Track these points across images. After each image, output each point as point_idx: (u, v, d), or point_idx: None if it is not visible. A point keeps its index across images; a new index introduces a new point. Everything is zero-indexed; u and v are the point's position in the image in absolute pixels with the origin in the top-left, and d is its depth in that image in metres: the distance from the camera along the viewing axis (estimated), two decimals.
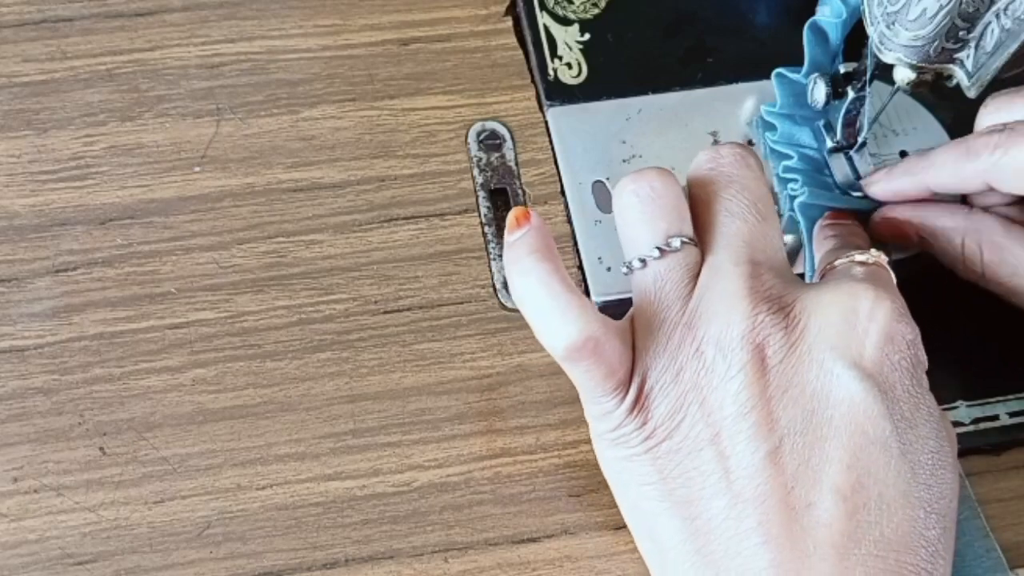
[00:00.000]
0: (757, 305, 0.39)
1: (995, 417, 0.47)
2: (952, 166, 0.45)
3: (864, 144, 0.49)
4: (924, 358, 0.40)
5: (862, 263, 0.42)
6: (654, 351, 0.40)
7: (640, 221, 0.41)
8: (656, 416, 0.39)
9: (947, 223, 0.46)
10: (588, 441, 0.45)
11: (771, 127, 0.50)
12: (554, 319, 0.39)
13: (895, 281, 0.42)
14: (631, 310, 0.41)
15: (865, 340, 0.39)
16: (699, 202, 0.42)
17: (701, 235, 0.41)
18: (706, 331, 0.39)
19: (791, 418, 0.38)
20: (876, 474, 0.37)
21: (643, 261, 0.41)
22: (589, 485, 0.45)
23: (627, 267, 0.41)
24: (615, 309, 0.43)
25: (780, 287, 0.40)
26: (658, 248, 0.40)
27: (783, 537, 0.37)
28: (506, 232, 0.40)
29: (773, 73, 0.49)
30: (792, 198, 0.48)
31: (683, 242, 0.41)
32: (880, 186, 0.47)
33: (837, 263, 0.42)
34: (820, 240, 0.46)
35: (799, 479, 0.37)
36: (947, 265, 0.46)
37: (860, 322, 0.39)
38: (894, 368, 0.39)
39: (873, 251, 0.42)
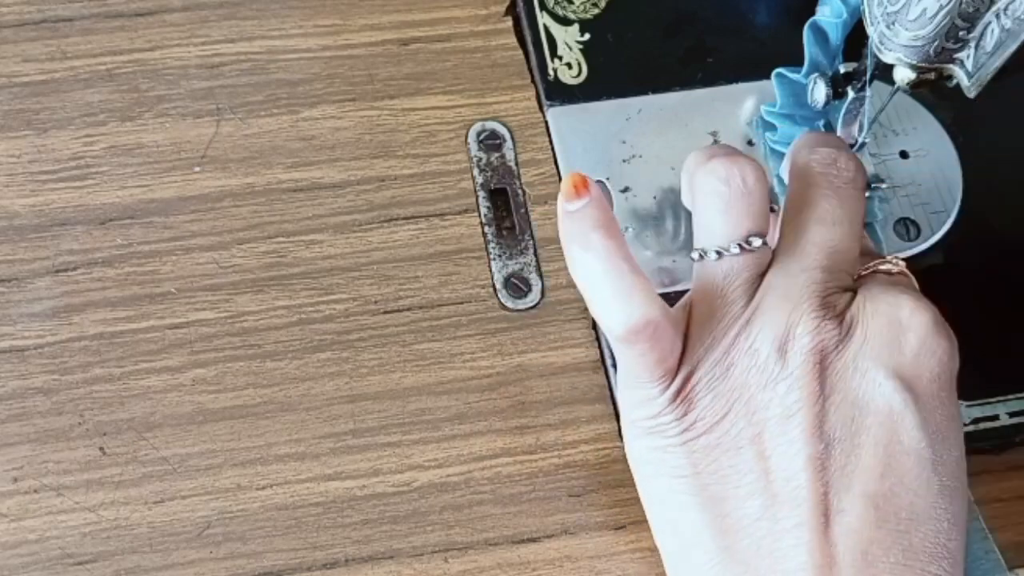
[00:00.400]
0: (817, 310, 0.39)
1: (995, 417, 0.47)
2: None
3: (864, 144, 0.49)
4: (957, 367, 0.40)
5: (887, 272, 0.42)
6: (709, 344, 0.40)
7: (725, 212, 0.41)
8: (699, 409, 0.39)
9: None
10: (588, 441, 0.45)
11: (771, 127, 0.50)
12: (617, 299, 0.39)
13: (918, 287, 0.42)
14: (687, 297, 0.41)
15: (905, 350, 0.39)
16: (796, 198, 0.41)
17: (785, 231, 0.41)
18: (763, 330, 0.39)
19: (834, 424, 0.38)
20: (909, 484, 0.37)
21: (719, 253, 0.40)
22: (589, 485, 0.45)
23: (700, 254, 0.41)
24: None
25: (839, 296, 0.40)
26: (739, 245, 0.40)
27: (815, 541, 0.37)
28: (562, 199, 0.40)
29: (773, 73, 0.49)
30: None
31: (763, 243, 0.40)
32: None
33: (863, 273, 0.42)
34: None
35: (834, 485, 0.37)
36: None
37: (901, 332, 0.39)
38: (932, 379, 0.39)
39: (893, 259, 0.42)
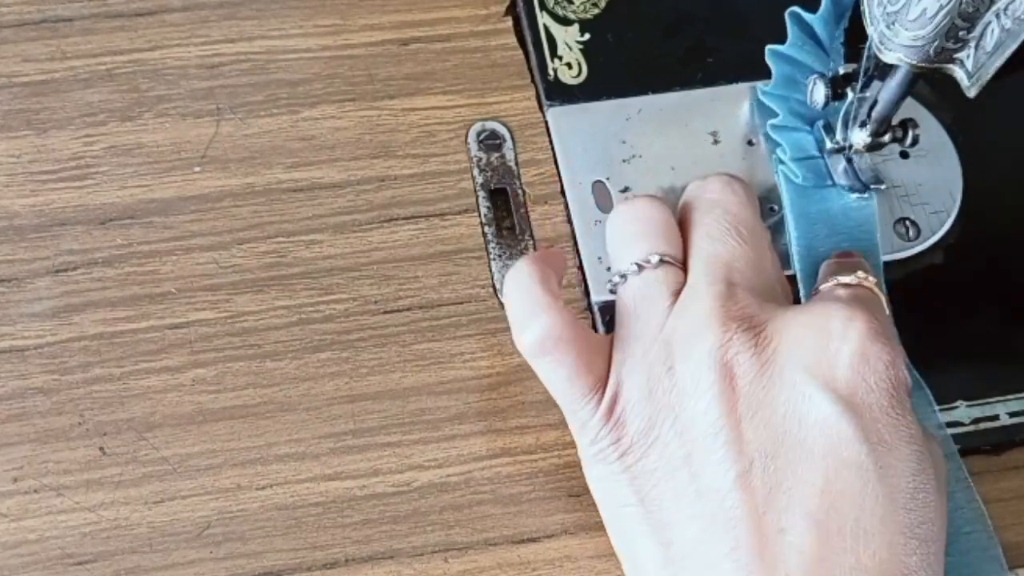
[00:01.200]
0: (727, 324, 0.39)
1: (995, 417, 0.47)
2: None
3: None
4: (906, 378, 0.39)
5: (846, 284, 0.42)
6: (630, 366, 0.40)
7: (623, 241, 0.43)
8: (631, 432, 0.39)
9: None
10: None
11: (771, 113, 0.50)
12: (523, 315, 0.40)
13: (884, 301, 0.42)
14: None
15: (837, 361, 0.38)
16: (684, 227, 0.43)
17: (686, 258, 0.42)
18: (678, 350, 0.39)
19: (762, 440, 0.37)
20: (852, 498, 0.36)
21: (623, 276, 0.42)
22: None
23: (611, 284, 0.43)
24: (615, 310, 0.43)
25: (755, 307, 0.40)
26: (637, 264, 0.42)
27: (755, 564, 0.36)
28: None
29: (767, 50, 0.49)
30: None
31: (661, 260, 0.41)
32: None
33: (822, 287, 0.42)
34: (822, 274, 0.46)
35: (771, 504, 0.36)
36: None
37: (832, 342, 0.38)
38: (870, 389, 0.38)
39: (860, 272, 0.42)
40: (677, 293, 0.41)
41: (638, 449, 0.39)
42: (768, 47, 0.49)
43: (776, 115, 0.49)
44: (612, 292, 0.43)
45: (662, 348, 0.40)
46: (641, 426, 0.39)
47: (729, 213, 0.42)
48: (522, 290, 0.41)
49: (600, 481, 0.41)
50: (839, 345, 0.38)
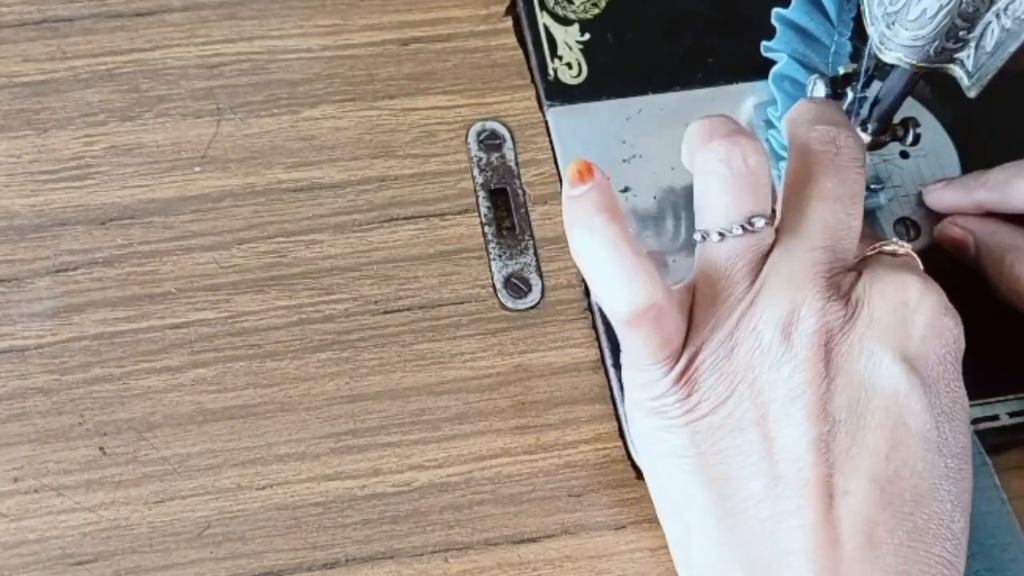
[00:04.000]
0: (822, 291, 0.39)
1: (995, 417, 0.47)
2: (1004, 186, 0.46)
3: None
4: (963, 350, 0.40)
5: (892, 253, 0.41)
6: (713, 326, 0.39)
7: (726, 193, 0.40)
8: (703, 390, 0.39)
9: (1000, 239, 0.47)
10: (588, 441, 0.45)
11: (773, 126, 0.50)
12: (620, 282, 0.39)
13: (923, 270, 0.42)
14: (690, 279, 0.41)
15: (912, 332, 0.39)
16: (797, 176, 0.41)
17: (786, 209, 0.41)
18: (767, 310, 0.39)
19: (839, 406, 0.38)
20: (913, 466, 0.37)
21: (722, 235, 0.40)
22: (589, 485, 0.45)
23: (702, 236, 0.40)
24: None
25: (844, 275, 0.40)
26: (741, 226, 0.40)
27: (819, 523, 0.37)
28: (566, 186, 0.40)
29: (771, 75, 0.49)
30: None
31: (766, 223, 0.40)
32: (935, 196, 0.49)
33: (868, 253, 0.42)
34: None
35: (839, 466, 0.37)
36: (991, 280, 0.47)
37: (908, 313, 0.39)
38: (939, 361, 0.39)
39: (898, 241, 0.42)
40: (768, 254, 0.40)
41: (705, 406, 0.39)
42: (775, 10, 0.49)
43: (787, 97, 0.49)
44: (698, 242, 0.41)
45: (748, 308, 0.39)
46: (715, 385, 0.39)
47: (850, 182, 0.41)
48: (609, 252, 0.39)
49: (653, 431, 0.41)
50: (914, 317, 0.39)
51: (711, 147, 0.40)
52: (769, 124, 0.50)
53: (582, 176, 0.39)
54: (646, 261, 0.39)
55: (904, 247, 0.42)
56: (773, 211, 0.41)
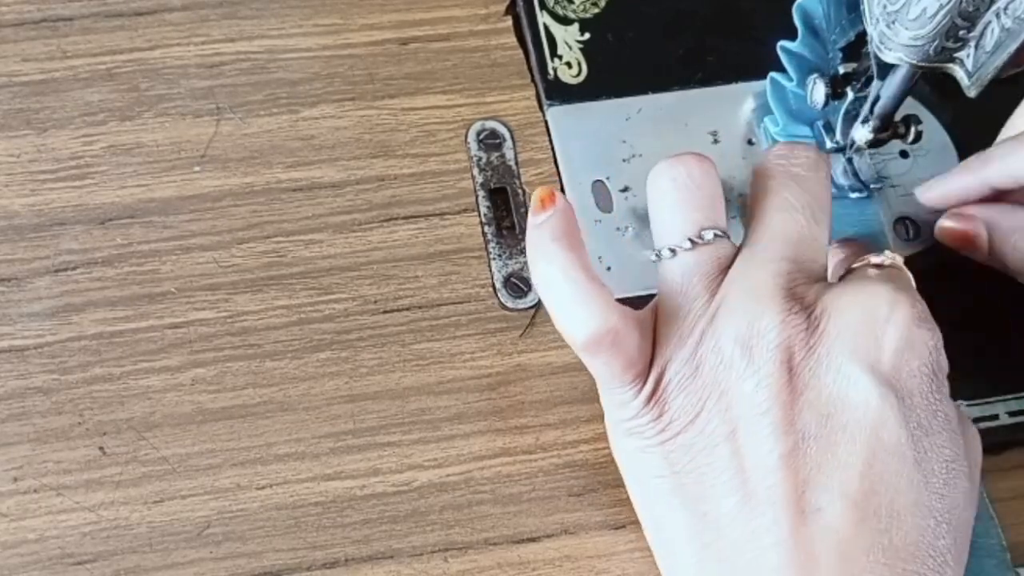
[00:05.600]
0: (783, 303, 0.38)
1: (995, 417, 0.47)
2: (1012, 156, 0.44)
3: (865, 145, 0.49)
4: (945, 363, 0.39)
5: (878, 265, 0.41)
6: (676, 344, 0.39)
7: (674, 210, 0.41)
8: (672, 409, 0.39)
9: (1012, 221, 0.45)
10: (588, 441, 0.45)
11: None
12: (575, 310, 0.39)
13: (913, 283, 0.41)
14: (654, 300, 0.41)
15: (883, 345, 0.38)
16: (757, 192, 0.41)
17: (749, 225, 0.41)
18: (727, 326, 0.39)
19: (807, 421, 0.37)
20: (888, 481, 0.37)
21: (673, 251, 0.40)
22: (589, 485, 0.45)
23: (656, 255, 0.41)
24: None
25: (807, 288, 0.39)
26: (690, 239, 0.40)
27: (792, 540, 0.37)
28: (530, 213, 0.40)
29: (768, 79, 0.49)
30: None
31: (716, 235, 0.40)
32: (937, 190, 0.47)
33: (854, 266, 0.42)
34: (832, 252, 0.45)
35: (811, 482, 0.37)
36: (1010, 266, 0.46)
37: (878, 326, 0.38)
38: (912, 374, 0.38)
39: (887, 252, 0.42)
40: (727, 268, 0.40)
41: (677, 425, 0.39)
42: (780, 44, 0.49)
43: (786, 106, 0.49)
44: (655, 262, 0.41)
45: (709, 324, 0.39)
46: (683, 404, 0.39)
47: (808, 191, 0.41)
48: (564, 280, 0.39)
49: (631, 453, 0.41)
50: (884, 328, 0.38)
51: (657, 168, 0.41)
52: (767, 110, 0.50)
53: (544, 204, 0.40)
54: (601, 288, 0.39)
55: (892, 258, 0.41)
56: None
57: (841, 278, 0.42)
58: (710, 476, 0.38)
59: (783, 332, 0.38)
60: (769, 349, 0.38)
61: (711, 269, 0.40)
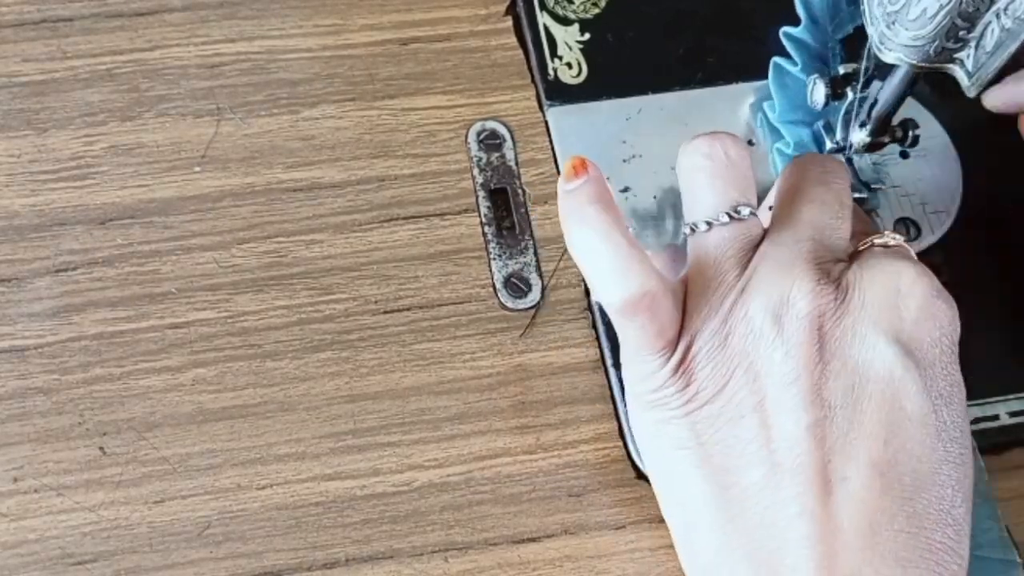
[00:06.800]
0: (813, 274, 0.39)
1: (995, 417, 0.47)
2: None
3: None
4: (959, 333, 0.40)
5: (883, 245, 0.42)
6: (706, 314, 0.40)
7: (711, 184, 0.41)
8: (700, 379, 0.39)
9: None
10: (588, 441, 0.45)
11: (777, 133, 0.50)
12: (614, 272, 0.39)
13: (916, 259, 0.42)
14: (685, 271, 0.41)
15: (905, 315, 0.39)
16: (788, 186, 0.42)
17: (776, 213, 0.42)
18: (758, 297, 0.39)
19: (834, 391, 0.38)
20: (912, 451, 0.37)
21: (708, 224, 0.41)
22: (589, 485, 0.45)
23: (691, 228, 0.41)
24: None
25: (831, 265, 0.40)
26: (727, 214, 0.41)
27: (818, 510, 0.37)
28: (561, 181, 0.41)
29: (771, 66, 0.49)
30: None
31: (751, 212, 0.41)
32: (996, 93, 0.48)
33: (861, 247, 0.42)
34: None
35: (837, 452, 0.37)
36: None
37: (900, 298, 0.39)
38: (934, 344, 0.39)
39: (888, 233, 0.42)
40: (757, 246, 0.41)
41: (704, 396, 0.39)
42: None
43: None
44: (688, 235, 0.41)
45: (739, 296, 0.39)
46: (711, 374, 0.39)
47: (839, 191, 0.42)
48: (602, 242, 0.39)
49: (653, 424, 0.41)
50: (907, 301, 0.39)
51: (692, 144, 0.42)
52: (774, 130, 0.50)
53: (576, 171, 0.40)
54: (640, 251, 0.39)
55: (896, 239, 0.42)
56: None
57: (851, 257, 0.42)
58: (737, 447, 0.38)
59: (813, 301, 0.38)
60: (799, 318, 0.38)
61: (745, 244, 0.40)
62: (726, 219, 0.40)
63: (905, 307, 0.39)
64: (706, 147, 0.41)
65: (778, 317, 0.39)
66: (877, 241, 0.42)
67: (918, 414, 0.38)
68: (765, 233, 0.41)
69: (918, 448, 0.37)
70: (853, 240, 0.43)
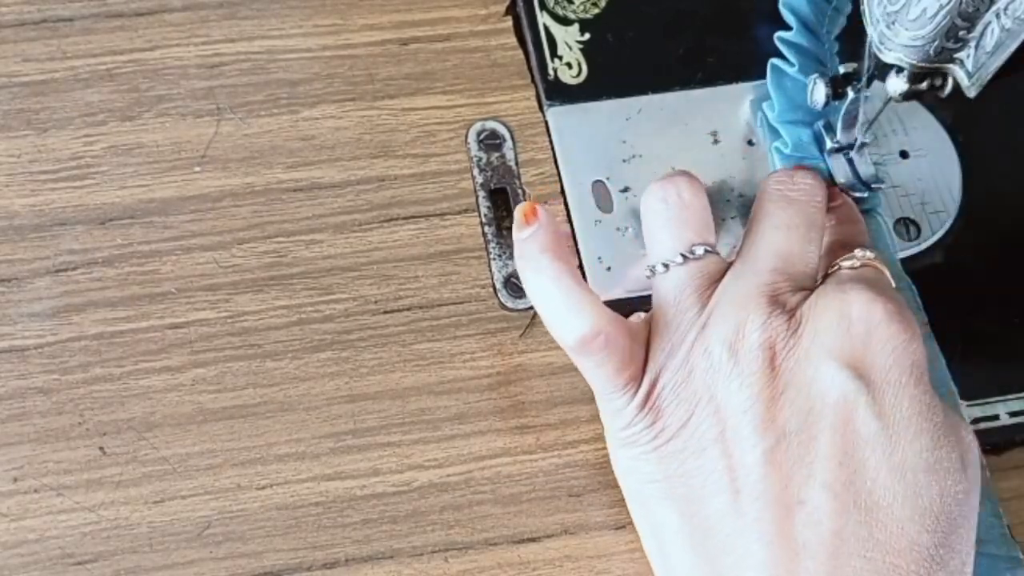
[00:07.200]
0: (765, 307, 0.40)
1: (995, 417, 0.47)
2: None
3: (864, 144, 0.49)
4: (922, 358, 0.40)
5: (850, 268, 0.42)
6: (669, 351, 0.41)
7: (666, 227, 0.43)
8: (666, 415, 0.40)
9: None
10: (588, 441, 0.45)
11: (776, 132, 0.50)
12: (566, 313, 0.41)
13: (889, 277, 0.42)
14: (650, 312, 0.43)
15: (857, 341, 0.39)
16: (755, 213, 0.44)
17: (742, 241, 0.43)
18: (716, 331, 0.40)
19: (788, 417, 0.39)
20: (866, 473, 0.38)
21: (666, 266, 0.42)
22: (589, 485, 0.45)
23: (650, 271, 0.43)
24: (615, 309, 0.43)
25: (789, 296, 0.41)
26: (682, 255, 0.42)
27: (776, 534, 0.37)
28: (515, 229, 0.43)
29: (768, 67, 0.49)
30: None
31: (706, 251, 0.42)
32: None
33: (830, 271, 0.43)
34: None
35: (794, 476, 0.38)
36: None
37: (853, 324, 0.39)
38: (888, 368, 0.39)
39: (858, 252, 0.42)
40: (717, 281, 0.42)
41: (670, 430, 0.40)
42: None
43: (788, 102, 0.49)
44: (649, 277, 0.43)
45: (700, 332, 0.41)
46: (677, 409, 0.40)
47: (804, 213, 0.43)
48: (554, 287, 0.41)
49: (626, 461, 0.42)
50: (860, 327, 0.39)
51: (649, 189, 0.44)
52: (773, 130, 0.50)
53: (527, 219, 0.42)
54: (591, 295, 0.41)
55: (864, 258, 0.42)
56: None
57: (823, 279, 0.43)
58: (700, 477, 0.39)
59: (765, 332, 0.40)
60: (752, 349, 0.39)
61: (702, 282, 0.42)
62: (680, 259, 0.42)
63: (856, 333, 0.39)
64: (660, 191, 0.43)
65: (734, 349, 0.40)
66: (844, 264, 0.42)
67: (870, 435, 0.38)
68: (729, 266, 0.42)
69: (872, 471, 0.38)
70: (828, 257, 0.44)
